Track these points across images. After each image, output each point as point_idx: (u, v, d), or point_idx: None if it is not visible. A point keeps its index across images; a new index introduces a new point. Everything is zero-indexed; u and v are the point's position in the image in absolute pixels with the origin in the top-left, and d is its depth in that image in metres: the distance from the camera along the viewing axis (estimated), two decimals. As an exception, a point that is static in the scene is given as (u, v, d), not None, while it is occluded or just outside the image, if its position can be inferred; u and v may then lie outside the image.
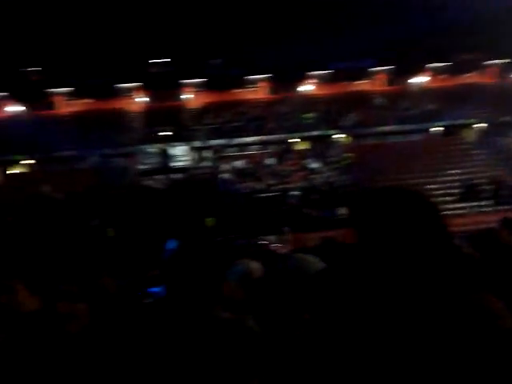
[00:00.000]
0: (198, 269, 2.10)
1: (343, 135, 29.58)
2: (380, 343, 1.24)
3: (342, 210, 19.93)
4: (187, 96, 31.90)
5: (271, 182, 24.86)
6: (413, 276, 1.25)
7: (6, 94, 29.82)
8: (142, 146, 28.56)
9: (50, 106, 30.98)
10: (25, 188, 24.04)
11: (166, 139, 28.88)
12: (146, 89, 31.17)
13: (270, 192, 23.60)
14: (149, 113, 30.52)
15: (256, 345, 1.89)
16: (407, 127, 29.63)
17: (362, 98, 31.34)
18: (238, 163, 26.99)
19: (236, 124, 29.70)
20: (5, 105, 30.24)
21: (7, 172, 28.01)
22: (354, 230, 1.38)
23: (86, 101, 31.03)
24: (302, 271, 2.21)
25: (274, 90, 32.19)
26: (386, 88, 32.95)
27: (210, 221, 19.34)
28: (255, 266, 3.48)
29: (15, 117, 29.54)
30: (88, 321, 2.25)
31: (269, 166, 26.77)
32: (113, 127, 28.51)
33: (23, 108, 30.17)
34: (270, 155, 27.77)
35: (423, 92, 31.92)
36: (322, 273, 1.89)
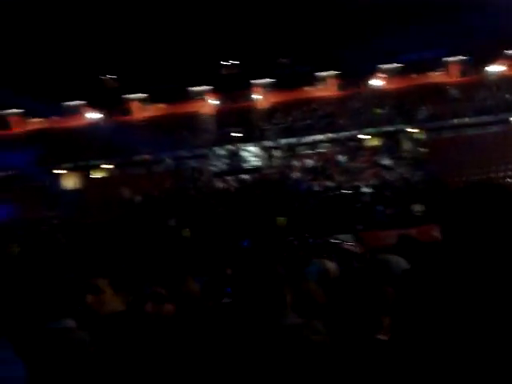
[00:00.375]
0: (268, 268, 2.11)
1: (417, 129, 28.74)
2: (471, 349, 1.20)
3: (418, 207, 19.40)
4: (257, 96, 32.10)
5: (343, 179, 24.60)
6: (505, 276, 1.21)
7: (85, 102, 31.32)
8: (214, 148, 29.06)
9: (127, 111, 32.18)
10: (106, 191, 25.20)
11: (238, 140, 29.22)
12: (217, 91, 31.65)
13: (342, 190, 23.35)
14: (220, 114, 31.00)
15: (320, 352, 1.86)
16: (484, 119, 28.35)
17: (436, 90, 30.28)
18: (309, 161, 26.88)
19: (306, 122, 29.57)
20: (84, 112, 31.74)
21: (89, 176, 29.43)
22: (439, 227, 1.34)
23: (160, 105, 32.00)
24: (385, 271, 2.15)
25: (343, 86, 31.75)
26: (461, 79, 31.67)
27: (281, 220, 19.39)
28: (331, 265, 3.47)
29: (94, 123, 30.94)
30: (174, 321, 2.34)
31: (340, 163, 26.49)
32: (186, 130, 29.24)
33: (101, 115, 31.53)
34: (342, 152, 27.45)
35: (500, 81, 30.41)
36: (408, 273, 1.81)
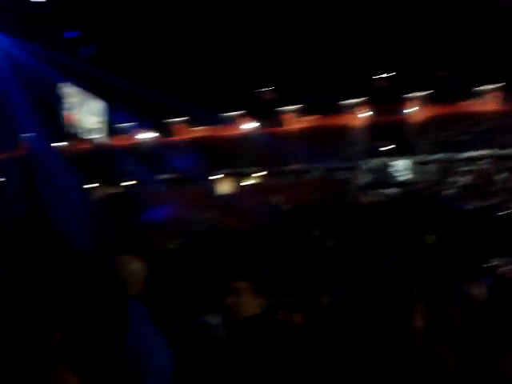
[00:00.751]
0: (400, 290, 2.11)
1: None
2: None
3: None
4: (411, 109, 31.17)
5: (503, 199, 22.91)
6: None
7: (242, 112, 32.96)
8: (365, 160, 28.79)
9: (280, 122, 33.20)
10: (256, 198, 26.15)
11: (389, 153, 28.65)
12: (370, 104, 31.35)
13: (502, 210, 21.74)
14: (372, 127, 30.64)
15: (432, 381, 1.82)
16: None
17: None
18: (465, 178, 25.49)
19: (463, 137, 28.07)
20: (241, 122, 33.38)
21: (242, 183, 30.82)
22: None
23: (312, 117, 32.51)
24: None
25: (506, 101, 29.54)
26: None
27: (430, 238, 18.57)
28: (479, 290, 3.31)
29: (249, 133, 32.39)
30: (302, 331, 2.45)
31: (501, 181, 24.74)
32: (336, 142, 29.36)
33: (256, 125, 32.90)
34: (503, 170, 25.62)
35: None
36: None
